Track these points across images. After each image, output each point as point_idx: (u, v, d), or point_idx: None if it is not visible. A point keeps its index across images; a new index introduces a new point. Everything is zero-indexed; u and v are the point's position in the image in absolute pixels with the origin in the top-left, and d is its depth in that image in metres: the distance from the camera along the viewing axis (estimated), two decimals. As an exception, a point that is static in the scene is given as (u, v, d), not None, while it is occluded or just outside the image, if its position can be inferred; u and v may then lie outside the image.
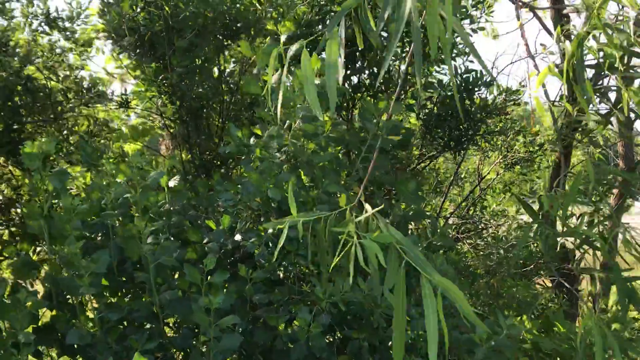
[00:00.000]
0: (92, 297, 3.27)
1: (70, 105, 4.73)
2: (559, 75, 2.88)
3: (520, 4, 4.30)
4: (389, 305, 3.02)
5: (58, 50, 4.73)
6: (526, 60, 3.99)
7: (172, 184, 3.52)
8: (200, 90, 4.55)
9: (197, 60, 4.58)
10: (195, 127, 4.92)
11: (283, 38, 3.60)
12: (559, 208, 3.52)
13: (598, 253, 3.59)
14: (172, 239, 3.27)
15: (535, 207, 3.82)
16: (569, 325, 3.45)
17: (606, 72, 3.17)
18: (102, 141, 4.92)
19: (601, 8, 2.73)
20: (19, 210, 4.63)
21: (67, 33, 4.80)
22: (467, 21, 4.83)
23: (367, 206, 2.01)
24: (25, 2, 4.61)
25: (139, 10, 4.40)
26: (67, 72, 4.84)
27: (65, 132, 4.77)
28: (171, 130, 5.06)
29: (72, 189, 3.77)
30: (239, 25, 4.60)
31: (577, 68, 2.77)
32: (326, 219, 2.05)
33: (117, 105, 4.95)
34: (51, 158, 3.22)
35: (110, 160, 3.63)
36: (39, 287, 3.31)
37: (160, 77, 4.54)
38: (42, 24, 4.64)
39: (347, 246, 1.81)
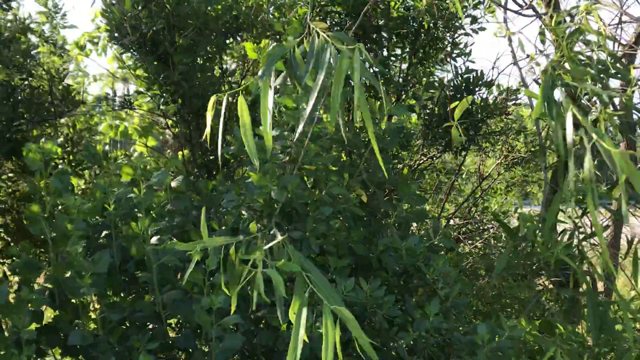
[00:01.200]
0: (94, 298, 3.28)
1: (64, 109, 4.74)
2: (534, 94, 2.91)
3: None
4: (392, 307, 3.03)
5: (34, 53, 4.71)
6: (526, 60, 3.97)
7: (174, 184, 3.53)
8: (202, 88, 4.55)
9: (198, 58, 4.59)
10: (197, 126, 4.92)
11: (290, 39, 3.59)
12: (535, 228, 3.56)
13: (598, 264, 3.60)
14: (174, 239, 3.28)
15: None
16: (569, 327, 3.45)
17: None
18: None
19: (571, 41, 2.77)
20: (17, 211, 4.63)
21: (48, 38, 4.80)
22: (468, 20, 4.84)
23: (278, 233, 2.17)
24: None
25: (140, 8, 4.40)
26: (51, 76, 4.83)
27: (59, 136, 4.78)
28: (174, 130, 5.06)
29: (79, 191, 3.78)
30: (241, 23, 4.61)
31: (547, 97, 2.83)
32: (237, 245, 2.13)
33: (120, 106, 4.96)
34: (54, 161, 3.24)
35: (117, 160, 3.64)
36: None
37: (162, 75, 4.54)
38: (17, 31, 4.61)
39: (251, 274, 1.93)
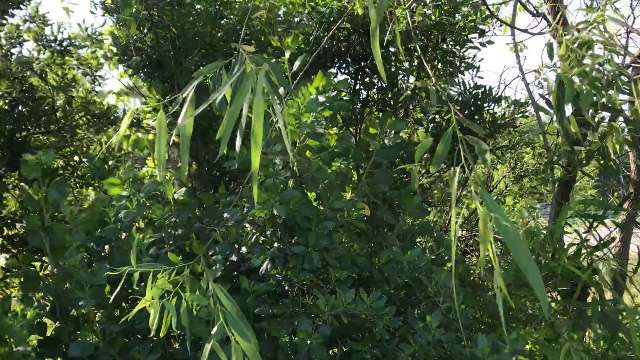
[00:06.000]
0: (94, 310, 3.28)
1: (74, 123, 4.77)
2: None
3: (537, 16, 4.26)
4: (392, 319, 3.00)
5: (69, 75, 4.79)
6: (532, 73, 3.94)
7: (177, 196, 3.53)
8: (208, 109, 4.55)
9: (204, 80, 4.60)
10: (204, 144, 4.94)
11: (287, 54, 3.60)
12: (544, 241, 3.53)
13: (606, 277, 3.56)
14: (175, 249, 3.28)
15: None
16: (577, 336, 3.41)
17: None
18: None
19: (579, 54, 2.77)
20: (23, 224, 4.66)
21: (80, 60, 4.89)
22: (476, 35, 4.83)
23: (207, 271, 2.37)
24: (37, 25, 4.65)
25: (146, 31, 4.44)
26: (80, 94, 4.90)
27: (69, 150, 4.81)
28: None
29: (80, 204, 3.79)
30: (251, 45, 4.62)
31: (560, 107, 2.83)
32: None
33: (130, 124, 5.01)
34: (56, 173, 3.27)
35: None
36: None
37: (168, 97, 4.56)
38: (55, 52, 4.69)
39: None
